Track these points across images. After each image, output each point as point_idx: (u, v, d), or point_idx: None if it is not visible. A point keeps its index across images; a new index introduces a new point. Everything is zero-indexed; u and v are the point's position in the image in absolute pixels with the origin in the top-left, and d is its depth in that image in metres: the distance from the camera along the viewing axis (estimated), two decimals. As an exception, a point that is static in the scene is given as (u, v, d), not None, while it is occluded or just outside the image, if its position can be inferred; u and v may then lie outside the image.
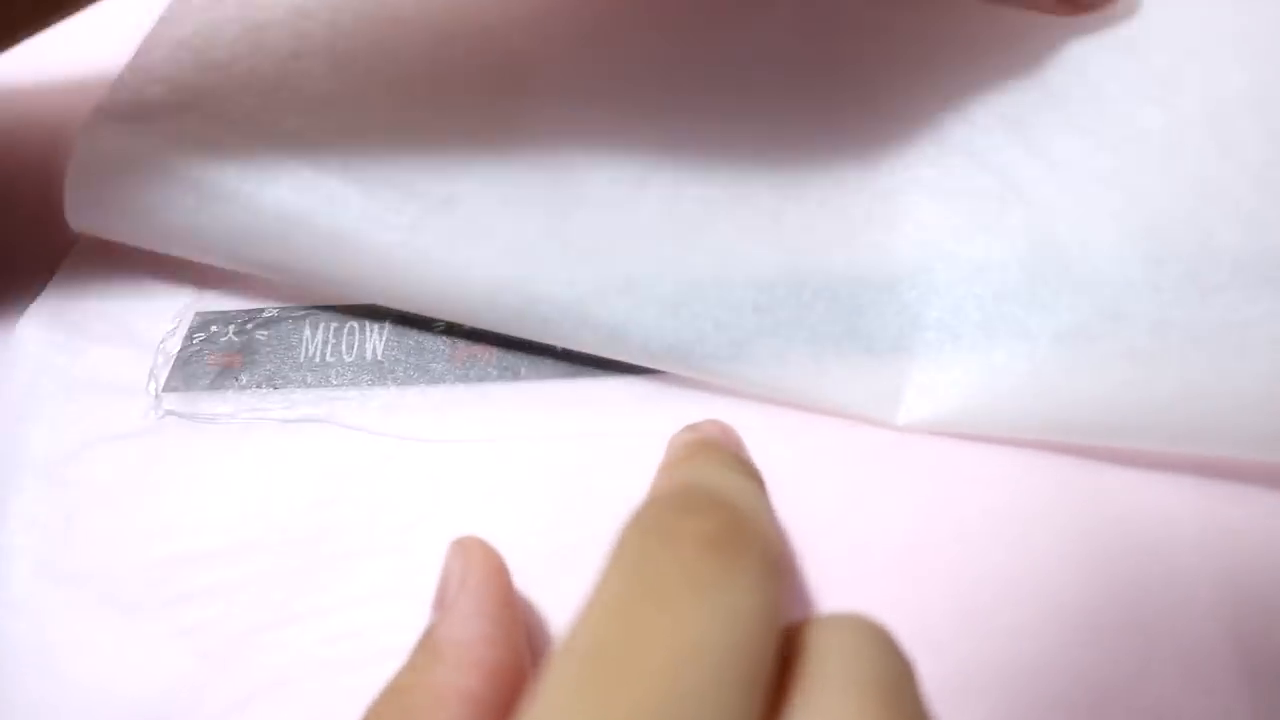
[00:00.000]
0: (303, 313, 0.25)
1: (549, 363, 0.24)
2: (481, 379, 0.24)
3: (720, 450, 0.19)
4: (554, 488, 0.22)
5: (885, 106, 0.26)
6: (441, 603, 0.18)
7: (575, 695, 0.12)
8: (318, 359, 0.24)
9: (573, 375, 0.24)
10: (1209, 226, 0.22)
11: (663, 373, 0.23)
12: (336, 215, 0.23)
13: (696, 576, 0.13)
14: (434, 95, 0.25)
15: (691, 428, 0.22)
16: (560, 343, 0.23)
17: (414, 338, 0.24)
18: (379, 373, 0.24)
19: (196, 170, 0.23)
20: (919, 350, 0.22)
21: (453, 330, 0.24)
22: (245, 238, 0.23)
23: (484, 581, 0.18)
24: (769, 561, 0.14)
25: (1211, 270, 0.21)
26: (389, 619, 0.21)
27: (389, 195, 0.23)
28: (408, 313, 0.24)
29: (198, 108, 0.24)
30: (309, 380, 0.24)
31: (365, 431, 0.23)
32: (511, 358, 0.24)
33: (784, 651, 0.14)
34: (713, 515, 0.14)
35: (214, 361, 0.25)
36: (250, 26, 0.26)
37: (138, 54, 0.26)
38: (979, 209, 0.23)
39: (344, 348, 0.25)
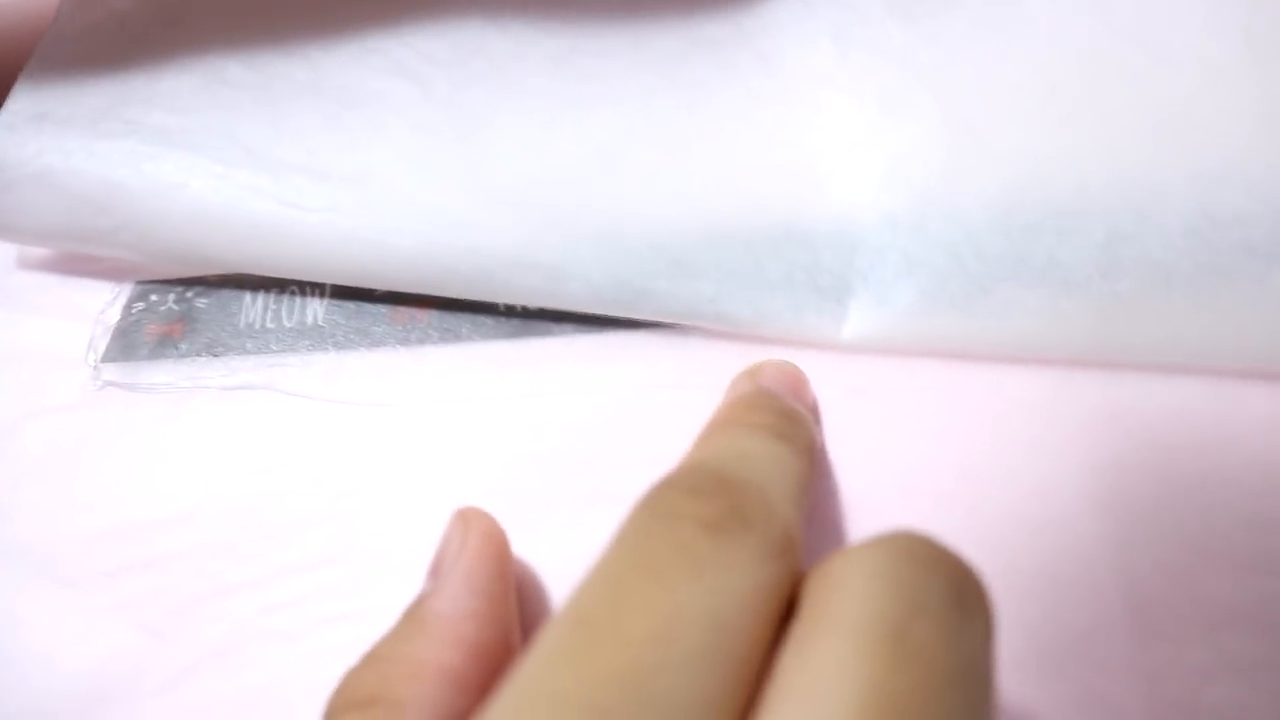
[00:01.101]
0: (243, 279, 0.25)
1: (491, 323, 0.23)
2: (422, 341, 0.23)
3: (762, 410, 0.18)
4: (498, 450, 0.22)
5: (777, 8, 0.25)
6: (436, 572, 0.18)
7: (559, 657, 0.12)
8: (258, 325, 0.24)
9: (516, 335, 0.23)
10: (1107, 90, 0.22)
11: (607, 329, 0.23)
12: (252, 207, 0.22)
13: (689, 554, 0.13)
14: (334, 71, 0.24)
15: (750, 371, 0.21)
16: (504, 298, 0.23)
17: (354, 302, 0.24)
18: (319, 338, 0.24)
19: (106, 179, 0.23)
20: (859, 238, 0.22)
21: (393, 293, 0.23)
22: (163, 241, 0.23)
23: (480, 556, 0.18)
24: (771, 541, 0.14)
25: (1117, 131, 0.22)
26: (330, 586, 0.20)
27: (301, 180, 0.22)
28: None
29: (97, 112, 0.23)
30: (249, 347, 0.24)
31: (306, 398, 0.23)
32: (453, 319, 0.23)
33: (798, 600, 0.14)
34: (716, 499, 0.14)
35: (153, 331, 0.24)
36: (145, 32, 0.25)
37: (36, 55, 0.25)
38: (888, 100, 0.23)
39: (284, 313, 0.24)
